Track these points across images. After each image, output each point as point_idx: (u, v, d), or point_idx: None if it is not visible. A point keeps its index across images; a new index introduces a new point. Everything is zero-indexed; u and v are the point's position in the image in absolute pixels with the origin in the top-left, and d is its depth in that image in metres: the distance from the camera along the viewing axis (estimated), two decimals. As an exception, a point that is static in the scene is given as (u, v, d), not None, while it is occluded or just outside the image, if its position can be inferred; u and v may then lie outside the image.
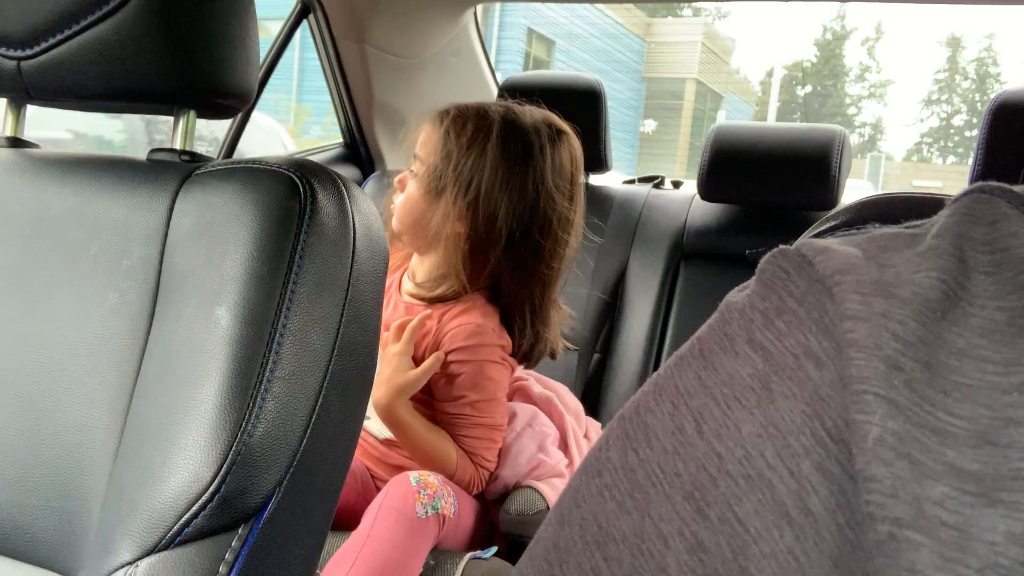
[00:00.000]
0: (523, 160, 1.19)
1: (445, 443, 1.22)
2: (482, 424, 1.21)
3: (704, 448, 0.27)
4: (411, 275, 1.29)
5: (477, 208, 1.17)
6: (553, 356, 1.33)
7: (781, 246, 0.30)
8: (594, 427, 1.47)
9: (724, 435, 0.26)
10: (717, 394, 0.27)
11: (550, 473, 1.29)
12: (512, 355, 1.27)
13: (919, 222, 0.30)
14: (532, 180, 1.19)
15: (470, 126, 1.18)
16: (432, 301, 1.23)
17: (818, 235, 0.46)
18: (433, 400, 1.24)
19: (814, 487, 0.24)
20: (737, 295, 0.30)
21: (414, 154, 1.23)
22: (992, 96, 1.56)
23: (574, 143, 1.27)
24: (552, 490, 1.25)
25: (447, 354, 1.19)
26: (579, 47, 15.21)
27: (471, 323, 1.20)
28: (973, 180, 1.60)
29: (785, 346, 0.27)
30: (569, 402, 1.42)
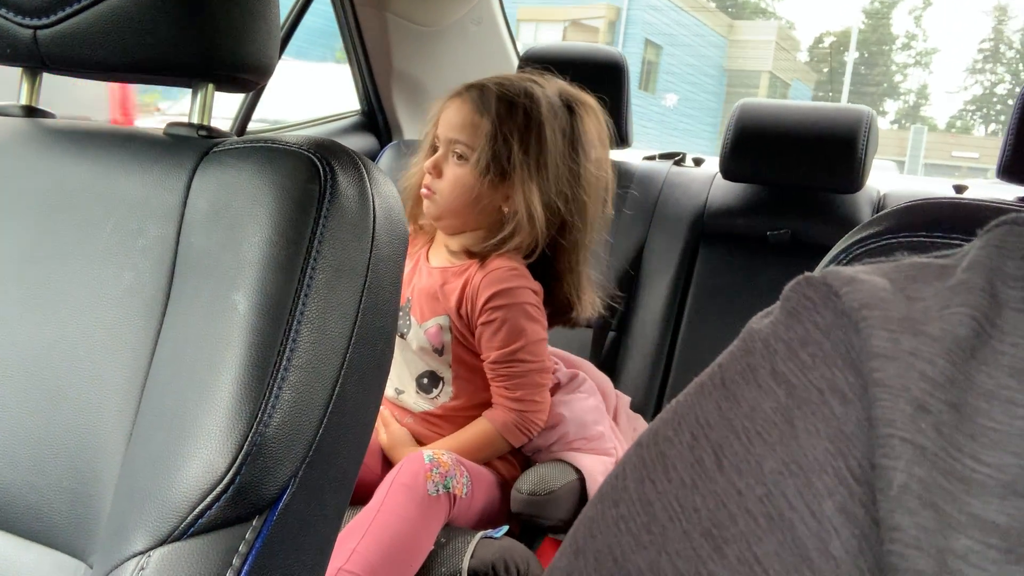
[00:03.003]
0: (571, 132, 1.26)
1: (472, 432, 1.26)
2: (533, 369, 1.25)
3: (724, 483, 0.26)
4: (443, 247, 1.30)
5: (548, 182, 1.22)
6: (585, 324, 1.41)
7: (806, 273, 0.29)
8: (624, 401, 1.50)
9: (745, 471, 0.26)
10: (738, 427, 0.27)
11: (600, 449, 1.32)
12: (557, 315, 1.34)
13: (949, 252, 0.29)
14: (582, 149, 1.26)
15: (520, 106, 1.21)
16: (480, 255, 1.25)
17: (857, 241, 0.45)
18: (477, 360, 1.27)
19: (836, 529, 0.23)
20: (760, 322, 0.29)
21: (448, 137, 1.23)
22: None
23: (599, 110, 1.34)
24: (600, 465, 1.29)
25: (487, 300, 1.22)
26: (679, 50, 19.73)
27: (505, 266, 1.23)
28: (1001, 166, 1.57)
29: (809, 380, 0.26)
30: (597, 379, 1.45)
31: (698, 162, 2.04)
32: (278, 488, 0.56)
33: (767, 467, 0.25)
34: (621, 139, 1.88)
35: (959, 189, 1.88)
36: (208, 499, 0.54)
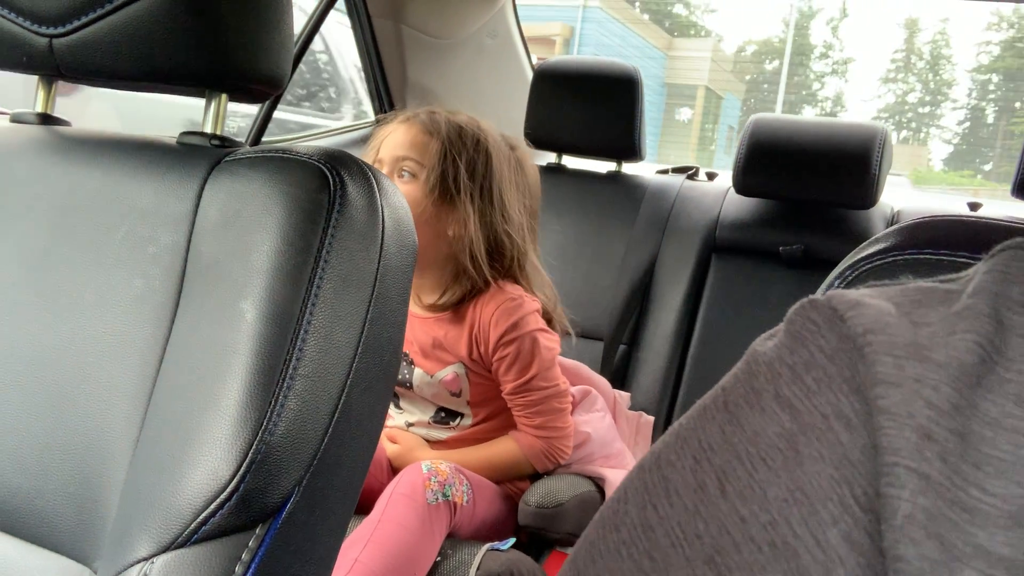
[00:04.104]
0: (515, 163, 1.29)
1: (497, 450, 1.27)
2: (552, 394, 1.26)
3: (727, 509, 0.26)
4: (415, 298, 1.29)
5: (492, 203, 1.23)
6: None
7: (810, 296, 0.29)
8: (623, 400, 1.52)
9: (748, 497, 0.25)
10: (742, 452, 0.26)
11: (620, 465, 1.35)
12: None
13: (954, 276, 0.29)
14: (526, 178, 1.30)
15: (470, 132, 1.23)
16: (456, 305, 1.25)
17: (864, 258, 0.44)
18: (498, 389, 1.27)
19: (841, 559, 0.23)
20: (764, 344, 0.29)
21: (395, 156, 1.22)
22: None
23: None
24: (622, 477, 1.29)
25: (499, 338, 1.22)
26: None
27: (505, 298, 1.23)
28: (1016, 184, 1.56)
29: (814, 404, 0.26)
30: (595, 380, 1.48)
31: (711, 176, 2.04)
32: (282, 496, 0.56)
33: (771, 494, 0.25)
34: (635, 152, 1.88)
35: (973, 206, 1.87)
36: (212, 506, 0.54)
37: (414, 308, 1.28)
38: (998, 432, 0.23)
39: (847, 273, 0.44)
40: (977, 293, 0.26)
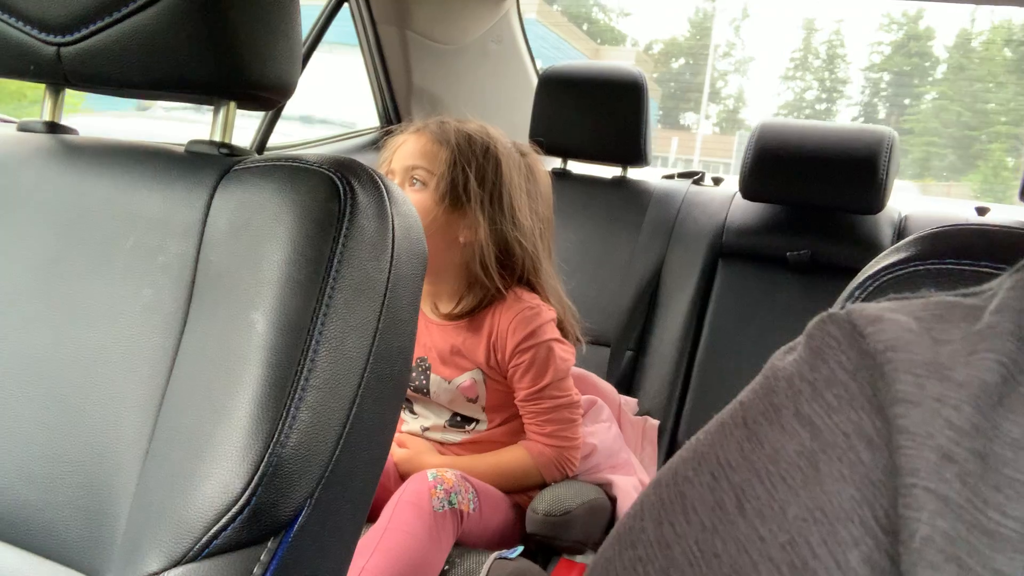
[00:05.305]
0: (526, 170, 1.29)
1: (507, 458, 1.27)
2: (563, 404, 1.27)
3: (745, 528, 0.25)
4: (432, 306, 1.30)
5: (503, 210, 1.23)
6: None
7: (831, 311, 0.29)
8: (629, 406, 1.53)
9: (768, 516, 0.25)
10: (761, 470, 0.26)
11: (630, 471, 1.36)
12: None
13: (977, 288, 0.29)
14: (537, 185, 1.31)
15: (479, 140, 1.23)
16: (474, 313, 1.26)
17: (884, 268, 0.44)
18: (512, 395, 1.28)
19: None
20: (783, 359, 0.29)
21: (406, 165, 1.23)
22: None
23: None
24: (630, 483, 1.34)
25: (516, 345, 1.23)
26: (556, 71, 24.03)
27: (523, 307, 1.24)
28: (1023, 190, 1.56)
29: (835, 423, 0.25)
30: (602, 387, 1.48)
31: (717, 181, 2.03)
32: (294, 509, 0.56)
33: (791, 513, 0.24)
34: (640, 157, 1.88)
35: (981, 211, 1.86)
36: (224, 520, 0.54)
37: (432, 316, 1.29)
38: (1019, 454, 0.22)
39: (868, 283, 0.43)
40: (1000, 311, 0.26)
